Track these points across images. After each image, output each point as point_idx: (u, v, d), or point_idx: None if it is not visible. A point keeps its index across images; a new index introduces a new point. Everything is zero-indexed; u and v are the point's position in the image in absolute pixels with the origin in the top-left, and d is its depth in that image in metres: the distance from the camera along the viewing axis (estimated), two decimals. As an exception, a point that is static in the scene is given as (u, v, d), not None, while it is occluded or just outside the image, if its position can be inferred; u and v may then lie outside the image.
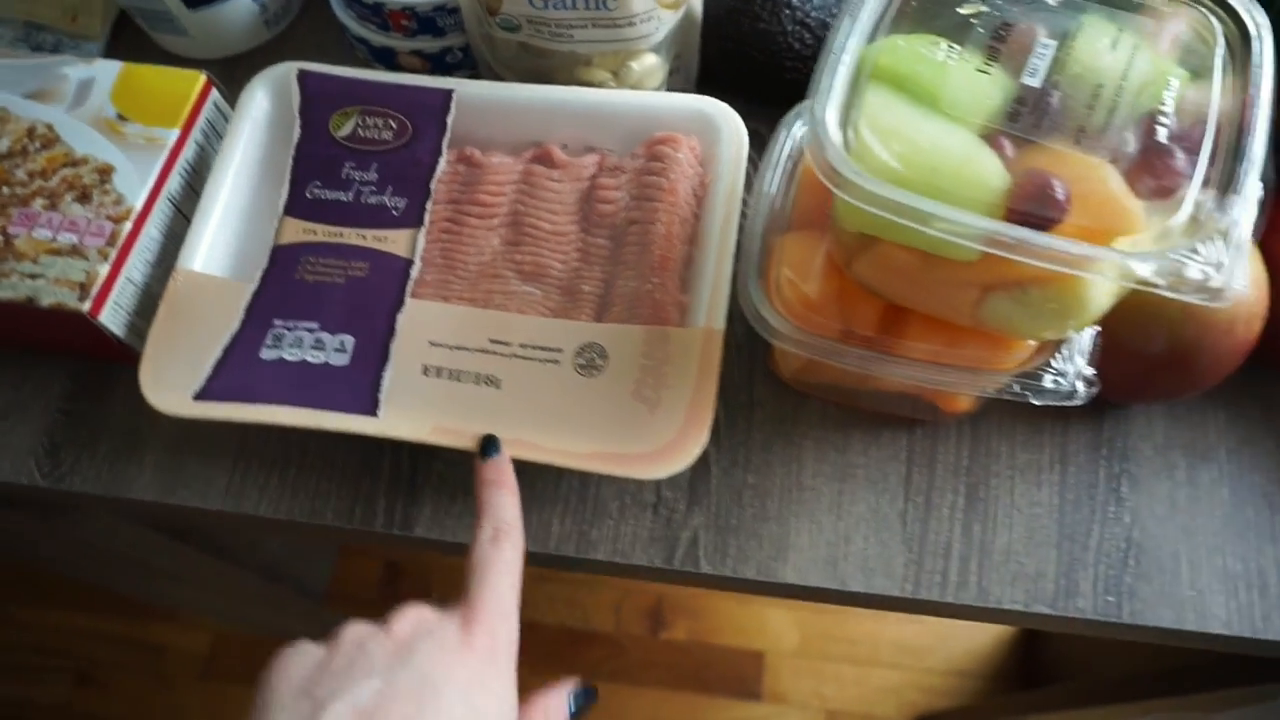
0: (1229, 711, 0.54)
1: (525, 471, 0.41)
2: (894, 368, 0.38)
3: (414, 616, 0.33)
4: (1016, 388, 0.36)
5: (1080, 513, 0.43)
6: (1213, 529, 0.42)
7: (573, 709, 0.35)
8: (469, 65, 0.54)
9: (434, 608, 0.33)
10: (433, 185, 0.45)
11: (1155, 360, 0.39)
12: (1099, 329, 0.37)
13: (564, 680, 0.35)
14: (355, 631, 0.32)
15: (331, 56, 0.50)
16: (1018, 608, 0.41)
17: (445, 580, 1.25)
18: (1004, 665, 1.21)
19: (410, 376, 0.42)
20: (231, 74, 0.53)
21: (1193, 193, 0.30)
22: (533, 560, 0.43)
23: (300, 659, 0.31)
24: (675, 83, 0.53)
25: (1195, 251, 0.28)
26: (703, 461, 0.44)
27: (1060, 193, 0.30)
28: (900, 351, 0.38)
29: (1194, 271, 0.28)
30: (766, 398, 0.46)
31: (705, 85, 0.53)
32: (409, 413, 0.41)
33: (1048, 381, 0.36)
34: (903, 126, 0.32)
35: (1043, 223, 0.30)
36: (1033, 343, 0.37)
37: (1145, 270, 0.28)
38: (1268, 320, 0.40)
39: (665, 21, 0.47)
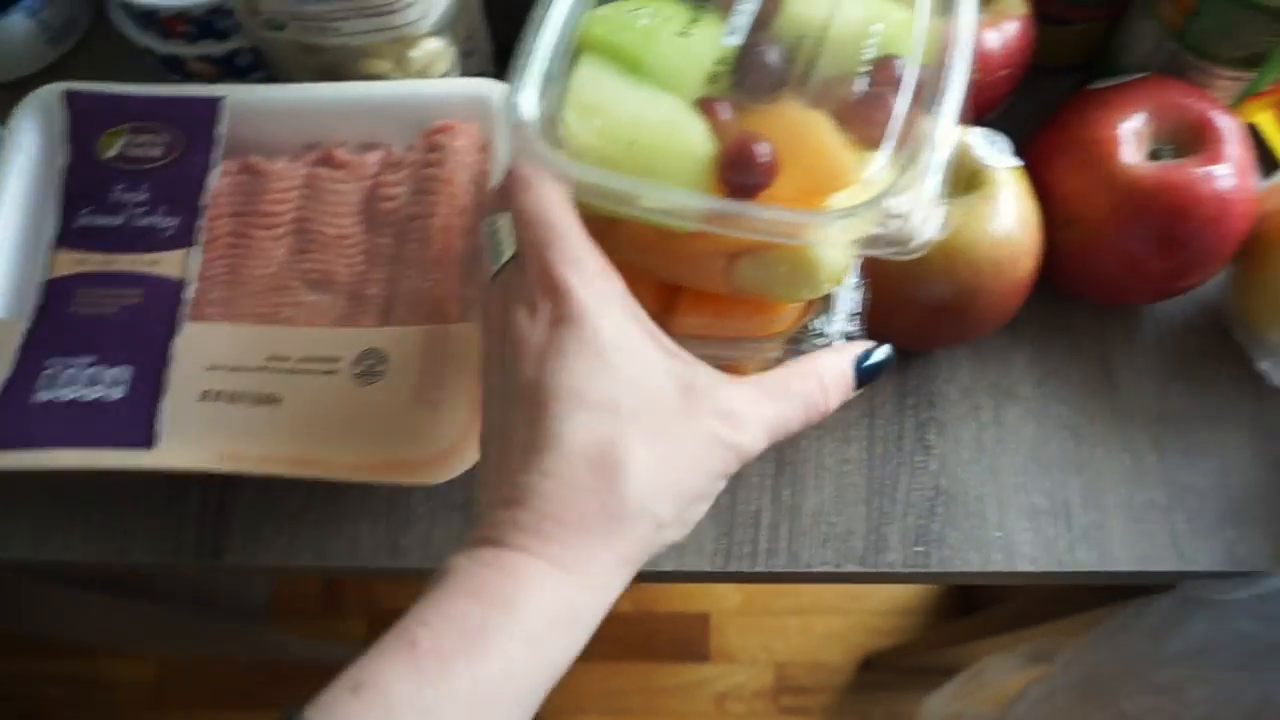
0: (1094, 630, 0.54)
1: (325, 489, 0.40)
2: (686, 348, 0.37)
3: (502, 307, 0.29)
4: (778, 355, 0.35)
5: (888, 465, 0.42)
6: (1018, 467, 0.42)
7: (863, 373, 0.30)
8: (262, 67, 0.52)
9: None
10: (204, 201, 0.43)
11: (933, 308, 0.39)
12: (863, 282, 0.36)
13: (851, 343, 0.31)
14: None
15: (126, 71, 0.48)
16: (828, 569, 0.41)
17: (388, 587, 1.24)
18: (942, 599, 1.23)
19: (188, 404, 0.40)
20: (18, 99, 0.51)
21: (890, 142, 0.29)
22: (346, 572, 0.43)
23: None
24: (471, 66, 0.51)
25: (883, 205, 0.27)
26: (511, 455, 0.44)
27: (763, 155, 0.29)
28: (676, 330, 0.37)
29: (873, 228, 0.27)
30: (574, 382, 0.45)
31: (505, 65, 0.51)
32: (191, 442, 0.40)
33: (807, 345, 0.35)
34: (607, 101, 0.30)
35: (751, 189, 0.29)
36: (796, 304, 0.36)
37: (832, 231, 0.27)
38: (1049, 249, 0.40)
39: (435, 3, 0.46)
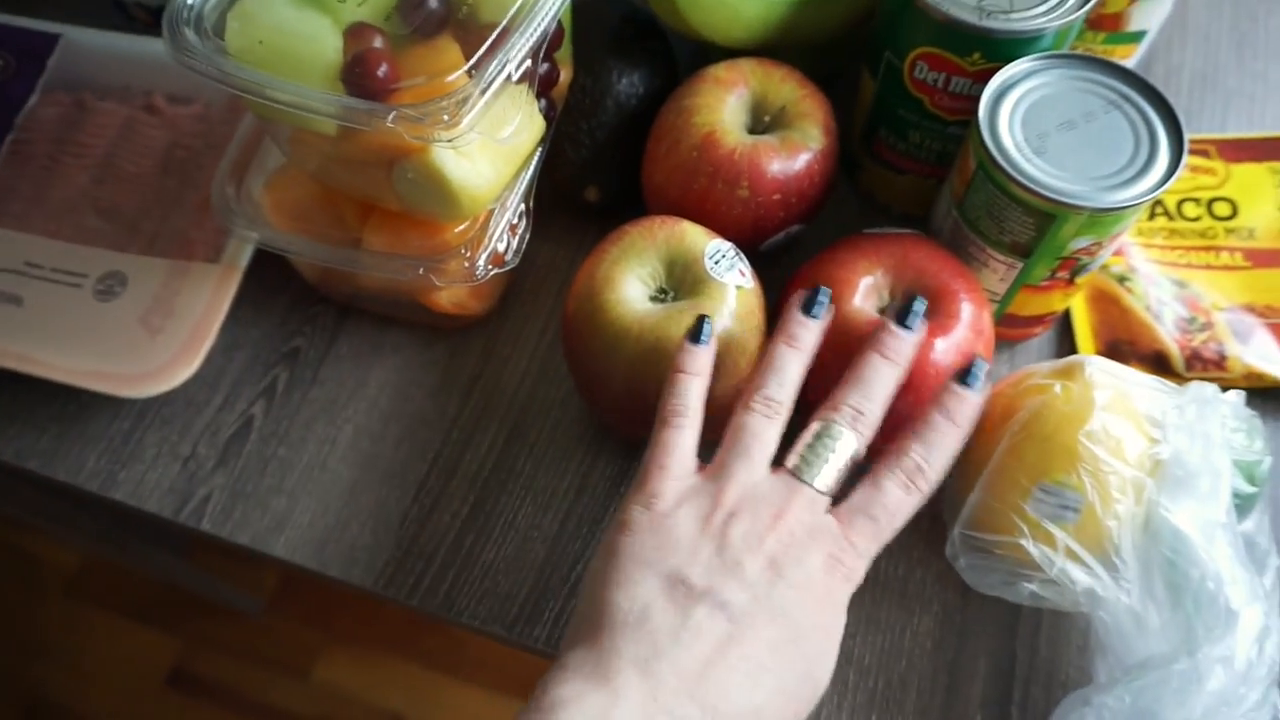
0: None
1: (77, 408, 0.43)
2: (363, 262, 0.41)
3: (791, 525, 0.31)
4: (422, 270, 0.39)
5: (575, 544, 0.42)
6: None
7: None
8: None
9: (815, 512, 0.32)
10: (17, 120, 0.47)
11: (626, 393, 0.38)
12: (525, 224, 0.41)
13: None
14: (735, 527, 0.31)
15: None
16: (475, 623, 0.40)
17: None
18: None
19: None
20: None
21: (471, 61, 0.35)
22: (60, 487, 0.45)
23: (670, 534, 0.30)
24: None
25: (442, 104, 0.32)
26: (245, 426, 0.45)
27: (378, 68, 0.33)
28: (371, 244, 0.41)
29: (415, 120, 0.32)
30: (330, 377, 0.46)
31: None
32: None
33: (455, 265, 0.39)
34: (261, 12, 0.35)
35: (371, 93, 0.34)
36: (459, 232, 0.40)
37: (394, 119, 0.33)
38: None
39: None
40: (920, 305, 0.35)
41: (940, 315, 0.37)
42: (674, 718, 0.27)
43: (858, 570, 0.31)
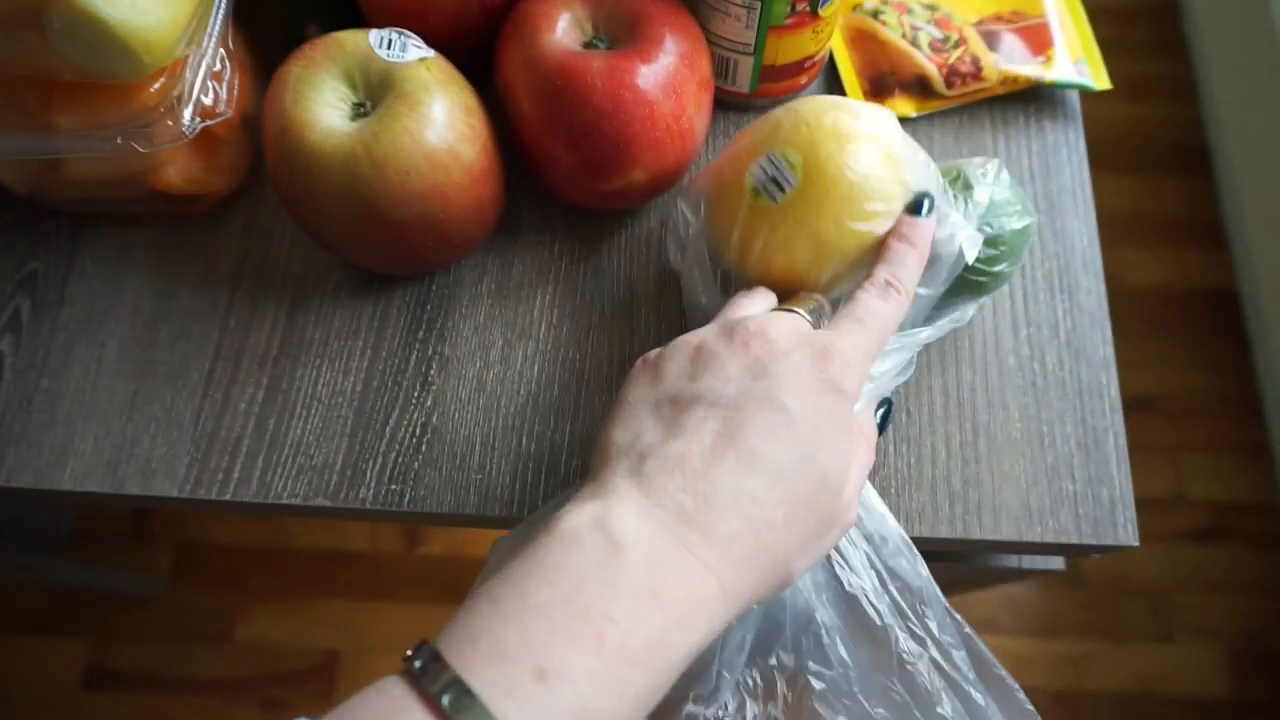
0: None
1: None
2: (57, 145, 0.37)
3: (771, 334, 0.31)
4: (120, 139, 0.36)
5: (382, 400, 0.40)
6: (515, 409, 0.40)
7: (880, 422, 0.35)
8: None
9: (799, 326, 0.32)
10: None
11: (390, 222, 0.36)
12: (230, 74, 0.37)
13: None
14: (720, 344, 0.31)
15: None
16: (296, 502, 0.39)
17: (196, 519, 1.22)
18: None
19: None
20: None
21: None
22: None
23: (662, 370, 0.31)
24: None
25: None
26: (-4, 367, 0.41)
27: None
28: (63, 127, 0.36)
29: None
30: (80, 294, 0.42)
31: None
32: None
33: (159, 126, 0.35)
34: None
35: None
36: (154, 88, 0.36)
37: None
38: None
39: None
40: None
41: (640, 42, 0.37)
42: (666, 508, 0.27)
43: (853, 365, 0.31)
